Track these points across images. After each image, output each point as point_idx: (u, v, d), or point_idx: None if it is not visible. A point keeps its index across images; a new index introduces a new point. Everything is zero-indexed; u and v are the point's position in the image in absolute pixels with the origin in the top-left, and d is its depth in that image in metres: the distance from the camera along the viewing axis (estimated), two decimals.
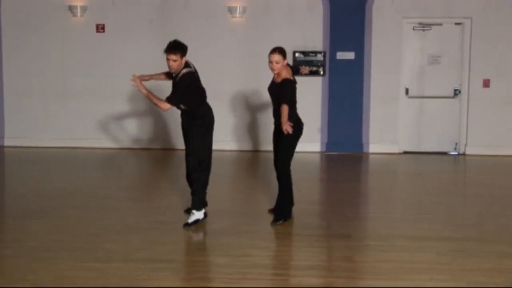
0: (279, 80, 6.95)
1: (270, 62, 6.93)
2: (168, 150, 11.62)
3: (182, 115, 6.91)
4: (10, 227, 6.78)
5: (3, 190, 9.13)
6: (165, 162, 10.67)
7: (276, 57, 6.90)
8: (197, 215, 6.77)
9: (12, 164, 11.27)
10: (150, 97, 6.55)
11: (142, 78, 6.86)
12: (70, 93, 12.29)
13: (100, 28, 12.21)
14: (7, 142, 12.47)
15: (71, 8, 12.09)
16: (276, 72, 6.97)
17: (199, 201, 6.80)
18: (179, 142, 11.96)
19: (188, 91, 6.67)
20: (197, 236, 6.32)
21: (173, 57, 6.55)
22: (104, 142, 12.13)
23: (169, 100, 6.58)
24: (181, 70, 6.66)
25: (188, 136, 6.85)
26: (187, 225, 6.63)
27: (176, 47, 6.59)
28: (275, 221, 6.87)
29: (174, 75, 6.73)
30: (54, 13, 12.22)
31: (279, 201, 7.05)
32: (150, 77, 7.06)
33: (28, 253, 5.66)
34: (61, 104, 12.34)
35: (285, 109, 6.76)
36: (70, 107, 12.31)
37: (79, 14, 12.10)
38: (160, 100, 6.55)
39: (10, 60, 12.35)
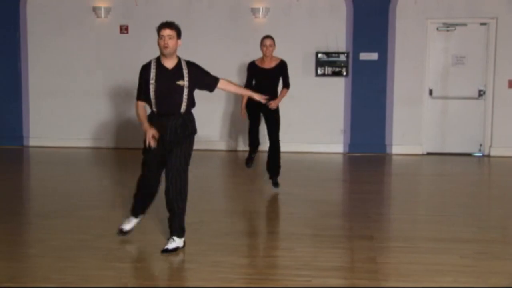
0: (272, 63, 8.31)
1: (264, 46, 8.23)
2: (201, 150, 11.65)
3: (167, 119, 5.74)
4: (34, 226, 6.84)
5: (27, 190, 9.21)
6: (197, 162, 10.67)
7: (269, 41, 8.27)
8: (179, 242, 5.83)
9: (36, 164, 11.38)
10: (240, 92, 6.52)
11: (148, 127, 5.76)
12: (93, 93, 12.37)
13: (124, 29, 12.28)
14: (32, 142, 12.58)
15: (95, 9, 12.18)
16: (268, 55, 8.25)
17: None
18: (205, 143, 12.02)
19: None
20: (219, 237, 6.32)
21: (168, 31, 5.67)
22: (128, 142, 12.19)
23: (218, 79, 6.02)
24: (179, 59, 5.83)
25: (177, 146, 5.76)
26: (166, 251, 5.74)
27: (173, 23, 5.75)
28: (277, 182, 8.33)
29: (167, 67, 5.75)
30: (79, 14, 12.32)
31: (277, 162, 8.32)
32: (145, 121, 5.82)
33: (52, 253, 5.71)
34: (85, 104, 12.42)
35: (287, 91, 8.39)
36: (94, 107, 12.39)
37: (103, 15, 12.18)
38: (238, 87, 6.46)
39: (35, 60, 12.47)
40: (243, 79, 11.60)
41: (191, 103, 5.85)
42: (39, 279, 5.07)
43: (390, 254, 5.84)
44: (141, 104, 5.87)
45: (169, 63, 5.77)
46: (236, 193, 8.41)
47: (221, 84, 6.00)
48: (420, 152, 12.04)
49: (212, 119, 12.19)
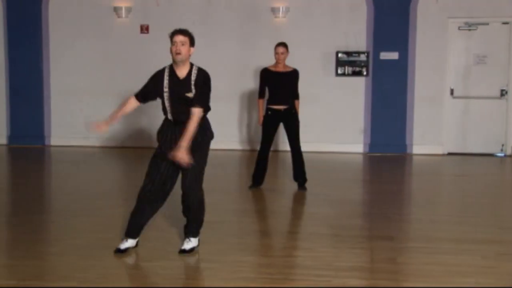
0: (285, 69, 8.43)
1: (277, 53, 8.35)
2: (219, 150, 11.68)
3: (180, 128, 5.57)
4: (55, 225, 6.89)
5: (49, 189, 9.29)
6: (211, 162, 10.70)
7: (282, 49, 8.36)
8: (195, 242, 5.83)
9: (57, 164, 11.48)
10: (186, 140, 5.47)
11: (107, 122, 5.97)
12: (114, 93, 12.43)
13: (144, 29, 12.34)
14: (53, 141, 12.68)
15: (116, 9, 12.25)
16: (281, 62, 8.36)
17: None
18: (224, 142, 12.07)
19: (209, 94, 5.71)
20: (240, 237, 6.33)
21: (181, 38, 5.53)
22: (148, 142, 12.24)
23: (202, 105, 5.55)
24: (191, 67, 5.63)
25: (192, 153, 5.56)
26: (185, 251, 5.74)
27: (186, 30, 5.61)
28: (304, 186, 8.43)
29: (179, 77, 5.59)
30: (99, 14, 12.40)
31: (301, 168, 8.45)
32: (119, 111, 6.08)
33: (74, 251, 5.75)
34: (106, 104, 12.46)
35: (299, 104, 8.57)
36: (115, 107, 12.44)
37: (123, 15, 12.25)
38: (192, 122, 5.49)
39: (56, 60, 12.56)
40: None
41: (206, 109, 5.66)
42: (61, 277, 5.11)
43: (411, 255, 5.81)
44: (133, 100, 5.92)
45: (181, 72, 5.60)
46: (257, 192, 8.41)
47: (197, 110, 5.49)
48: (441, 152, 11.97)
49: (230, 119, 12.21)
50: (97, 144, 12.51)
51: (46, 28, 12.51)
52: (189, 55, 5.59)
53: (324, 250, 5.85)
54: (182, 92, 5.54)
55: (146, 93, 5.83)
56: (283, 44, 8.44)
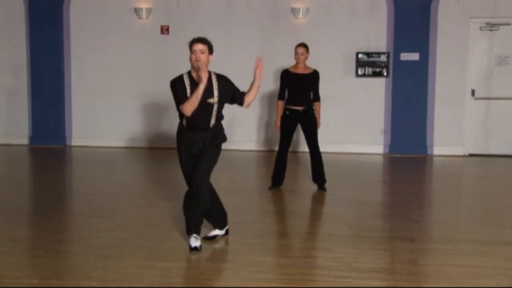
0: (306, 70, 8.43)
1: (297, 53, 8.37)
2: (238, 151, 11.71)
3: (195, 133, 5.80)
4: (76, 225, 6.94)
5: (70, 189, 9.35)
6: (232, 163, 10.74)
7: (302, 49, 8.37)
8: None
9: (78, 164, 11.55)
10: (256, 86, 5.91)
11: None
12: (135, 93, 12.51)
13: (165, 30, 12.38)
14: (74, 142, 12.76)
15: (136, 10, 12.31)
16: (301, 62, 8.37)
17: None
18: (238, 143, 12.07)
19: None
20: (260, 237, 6.33)
21: (201, 46, 5.69)
22: (168, 143, 12.29)
23: (245, 94, 5.94)
24: (210, 73, 5.79)
25: (204, 152, 5.80)
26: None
27: (205, 39, 5.81)
28: (324, 187, 8.44)
29: (202, 81, 5.65)
30: (120, 15, 12.46)
31: (320, 169, 8.43)
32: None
33: (94, 251, 5.78)
34: (127, 104, 12.56)
35: (320, 105, 8.56)
36: (136, 107, 12.53)
37: (144, 16, 12.31)
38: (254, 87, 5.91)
39: (78, 61, 12.65)
40: None
41: (220, 116, 5.89)
42: (82, 276, 5.15)
43: (431, 256, 5.78)
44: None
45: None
46: (277, 193, 8.42)
47: (247, 99, 5.92)
48: (462, 154, 11.88)
49: (250, 120, 12.22)
50: (117, 144, 12.58)
51: (67, 29, 12.60)
52: (208, 63, 5.73)
53: (344, 251, 5.83)
54: (203, 99, 5.66)
55: (185, 96, 5.76)
56: (303, 45, 8.45)
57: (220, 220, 6.17)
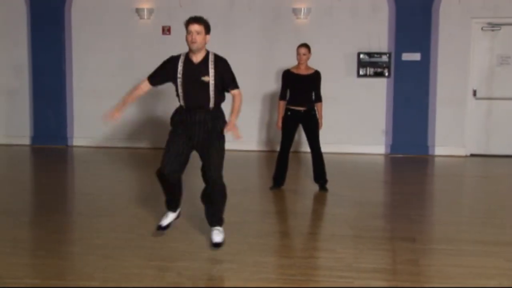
0: (307, 71, 8.42)
1: (299, 54, 8.35)
2: (240, 151, 11.69)
3: (194, 114, 5.67)
4: (78, 225, 6.94)
5: (71, 189, 9.36)
6: (233, 163, 10.72)
7: (304, 50, 8.36)
8: (222, 231, 5.97)
9: (80, 164, 11.55)
10: (235, 117, 5.73)
11: (119, 108, 6.33)
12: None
13: (166, 30, 12.38)
14: (76, 142, 12.77)
15: (138, 11, 12.32)
16: (303, 63, 8.37)
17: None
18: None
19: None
20: (261, 237, 6.33)
21: (196, 27, 5.58)
22: None
23: (237, 86, 5.79)
24: (207, 53, 5.68)
25: (210, 145, 5.71)
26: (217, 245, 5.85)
27: (202, 18, 5.73)
28: (325, 187, 8.44)
29: (194, 62, 5.64)
30: (122, 15, 12.47)
31: (322, 170, 8.44)
32: (130, 97, 6.42)
33: (96, 251, 5.78)
34: (129, 105, 12.52)
35: (322, 105, 8.57)
36: (137, 108, 12.53)
37: (145, 17, 12.31)
38: (237, 101, 5.76)
39: (79, 62, 12.66)
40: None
41: (220, 98, 5.75)
42: (83, 277, 5.14)
43: (433, 256, 5.77)
44: (145, 87, 6.04)
45: (197, 58, 5.67)
46: (279, 193, 8.41)
47: (237, 91, 5.78)
48: (463, 154, 11.88)
49: (251, 120, 12.22)
50: (119, 145, 12.58)
51: (69, 29, 12.61)
52: (205, 43, 5.63)
53: (345, 251, 5.83)
54: (197, 76, 5.60)
55: (159, 77, 5.91)
56: (305, 45, 8.45)
57: (179, 203, 6.16)
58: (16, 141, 12.83)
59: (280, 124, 8.45)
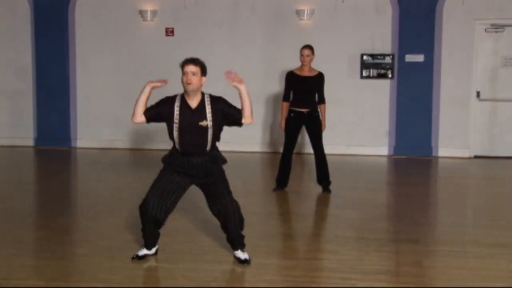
0: (311, 72, 8.43)
1: (302, 55, 8.35)
2: (243, 153, 11.71)
3: (192, 157, 5.48)
4: (82, 226, 6.95)
5: (76, 191, 9.37)
6: (236, 165, 10.71)
7: (307, 51, 8.35)
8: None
9: (84, 165, 11.56)
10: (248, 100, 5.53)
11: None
12: None
13: (170, 32, 12.40)
14: (79, 143, 12.78)
15: (141, 12, 12.33)
16: (306, 64, 8.37)
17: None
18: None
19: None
20: (264, 239, 6.34)
21: (192, 68, 5.38)
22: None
23: (241, 113, 5.53)
24: (203, 96, 5.48)
25: (211, 181, 5.57)
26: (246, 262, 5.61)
27: (198, 60, 5.48)
28: (329, 189, 8.45)
29: (191, 107, 5.45)
30: (125, 17, 12.48)
31: (325, 171, 8.44)
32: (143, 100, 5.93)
33: (100, 252, 5.79)
34: (132, 106, 12.53)
35: (325, 107, 8.56)
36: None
37: (149, 18, 12.33)
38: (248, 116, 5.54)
39: (83, 63, 12.68)
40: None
41: (216, 140, 5.56)
42: (87, 278, 5.16)
43: (437, 258, 5.77)
44: (141, 119, 5.74)
45: (193, 102, 5.44)
46: (282, 195, 8.42)
47: (246, 119, 5.53)
48: (467, 155, 11.86)
49: (255, 121, 12.20)
50: (123, 146, 12.60)
51: (72, 31, 12.63)
52: (201, 85, 5.43)
53: (349, 253, 5.83)
54: (195, 122, 5.39)
55: (155, 115, 5.64)
56: (309, 47, 8.44)
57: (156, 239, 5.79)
58: (20, 143, 12.85)
59: (283, 125, 8.46)
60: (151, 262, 5.54)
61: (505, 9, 11.55)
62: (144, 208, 5.56)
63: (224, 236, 5.76)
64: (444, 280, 5.17)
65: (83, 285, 4.99)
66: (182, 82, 5.42)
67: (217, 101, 5.49)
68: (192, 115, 5.40)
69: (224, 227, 5.65)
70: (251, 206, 7.70)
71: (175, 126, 5.46)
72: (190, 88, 5.37)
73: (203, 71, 5.46)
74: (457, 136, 11.87)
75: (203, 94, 5.49)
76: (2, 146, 12.78)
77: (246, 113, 5.51)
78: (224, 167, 5.68)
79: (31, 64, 12.76)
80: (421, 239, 6.35)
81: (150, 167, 10.93)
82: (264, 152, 12.20)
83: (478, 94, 11.84)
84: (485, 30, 11.72)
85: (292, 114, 8.37)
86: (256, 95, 11.97)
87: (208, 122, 5.41)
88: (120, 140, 12.63)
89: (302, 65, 8.42)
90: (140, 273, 5.25)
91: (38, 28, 12.62)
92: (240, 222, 5.65)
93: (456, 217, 7.39)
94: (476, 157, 11.88)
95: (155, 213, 5.53)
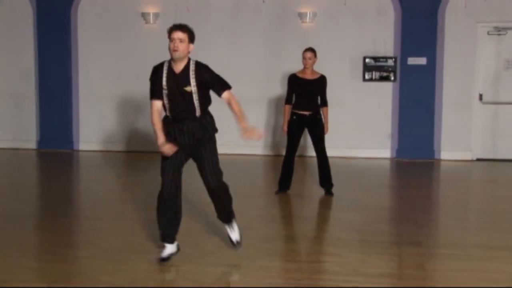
0: (313, 75, 8.43)
1: (304, 58, 8.35)
2: (245, 155, 11.70)
3: (182, 124, 5.49)
4: (84, 229, 6.95)
5: (78, 193, 9.37)
6: (239, 167, 10.73)
7: (310, 54, 8.36)
8: (235, 226, 5.91)
9: (86, 168, 11.57)
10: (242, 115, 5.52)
11: (161, 136, 5.58)
12: (142, 98, 12.49)
13: None
14: (82, 146, 12.79)
15: (144, 15, 12.35)
16: (309, 67, 8.37)
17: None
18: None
19: (221, 77, 5.58)
20: (267, 242, 6.33)
21: (180, 34, 5.33)
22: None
23: (226, 87, 5.49)
24: (188, 61, 5.43)
25: (201, 151, 5.55)
26: (238, 244, 5.85)
27: (186, 26, 5.44)
28: (331, 192, 8.44)
29: (175, 72, 5.41)
30: (128, 20, 12.50)
31: (327, 174, 8.45)
32: (159, 126, 5.56)
33: (102, 255, 5.79)
34: (134, 109, 12.58)
35: (327, 110, 8.56)
36: (143, 112, 12.54)
37: (151, 21, 12.33)
38: (234, 104, 5.50)
39: (85, 66, 12.69)
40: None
41: (206, 104, 5.52)
42: (89, 280, 5.15)
43: (439, 261, 5.76)
44: (157, 105, 5.48)
45: (178, 67, 5.41)
46: (284, 197, 8.41)
47: (227, 94, 5.48)
48: (469, 158, 11.85)
49: (257, 124, 12.22)
50: (125, 149, 12.61)
51: (75, 34, 12.64)
52: (188, 52, 5.39)
53: (351, 256, 5.82)
54: (179, 87, 5.39)
55: (159, 90, 5.52)
56: (311, 50, 8.44)
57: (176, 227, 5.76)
58: (22, 145, 12.87)
59: (285, 128, 8.46)
60: (153, 265, 5.53)
61: (508, 12, 11.55)
62: (163, 191, 5.65)
63: (226, 237, 5.76)
64: (446, 282, 5.16)
65: (84, 287, 4.99)
66: (169, 49, 5.38)
67: (202, 68, 5.43)
68: (177, 81, 5.38)
69: (212, 199, 5.76)
70: (253, 209, 7.71)
71: (164, 93, 5.45)
72: (176, 55, 5.32)
73: (191, 38, 5.40)
74: (460, 138, 11.86)
75: (189, 60, 5.44)
76: (5, 149, 12.80)
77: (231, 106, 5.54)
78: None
79: (34, 67, 12.78)
80: (423, 241, 6.34)
81: (152, 170, 10.94)
82: (267, 155, 12.19)
83: (480, 96, 11.83)
84: (488, 33, 11.72)
85: (294, 117, 8.37)
86: (258, 97, 12.04)
87: (192, 87, 5.38)
88: (122, 142, 12.64)
89: (305, 68, 8.42)
90: (142, 276, 5.24)
91: (41, 30, 12.64)
92: (228, 202, 5.77)
93: (458, 220, 7.38)
94: (478, 159, 11.87)
95: (174, 191, 5.60)
